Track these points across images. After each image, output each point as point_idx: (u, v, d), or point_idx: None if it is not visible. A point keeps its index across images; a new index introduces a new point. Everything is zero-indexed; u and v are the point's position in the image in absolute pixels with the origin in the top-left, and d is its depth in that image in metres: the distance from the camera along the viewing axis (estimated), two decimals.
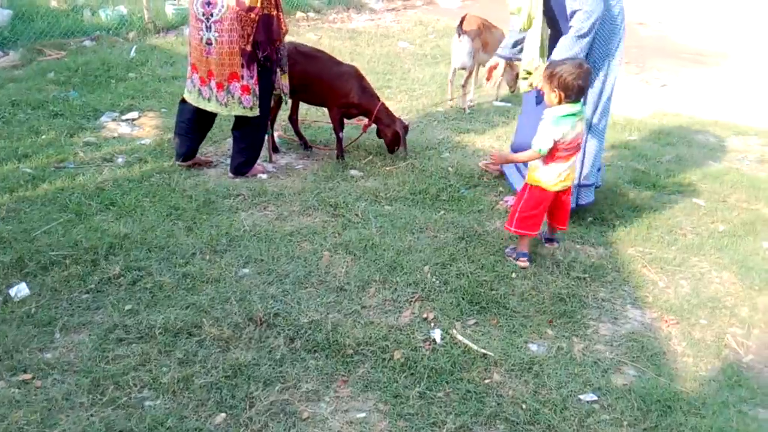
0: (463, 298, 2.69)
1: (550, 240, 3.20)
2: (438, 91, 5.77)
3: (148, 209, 3.30)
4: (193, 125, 3.76)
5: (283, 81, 3.70)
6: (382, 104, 4.10)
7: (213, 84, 3.50)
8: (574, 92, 2.69)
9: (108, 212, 3.27)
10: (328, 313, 2.53)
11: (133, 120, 4.72)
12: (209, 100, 3.56)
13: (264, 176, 3.87)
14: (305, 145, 4.34)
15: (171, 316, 2.45)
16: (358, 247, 3.02)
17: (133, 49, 6.42)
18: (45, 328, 2.40)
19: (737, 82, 7.08)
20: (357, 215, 3.37)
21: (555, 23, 3.17)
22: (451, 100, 5.39)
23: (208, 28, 3.35)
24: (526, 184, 2.96)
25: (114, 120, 4.67)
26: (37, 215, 3.18)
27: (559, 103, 2.73)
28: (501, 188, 3.86)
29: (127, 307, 2.53)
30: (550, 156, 2.79)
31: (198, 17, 3.36)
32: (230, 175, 3.81)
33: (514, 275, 2.90)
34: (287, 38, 3.73)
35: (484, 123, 5.06)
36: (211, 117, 3.75)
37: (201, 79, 3.53)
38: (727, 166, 4.50)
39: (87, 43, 6.79)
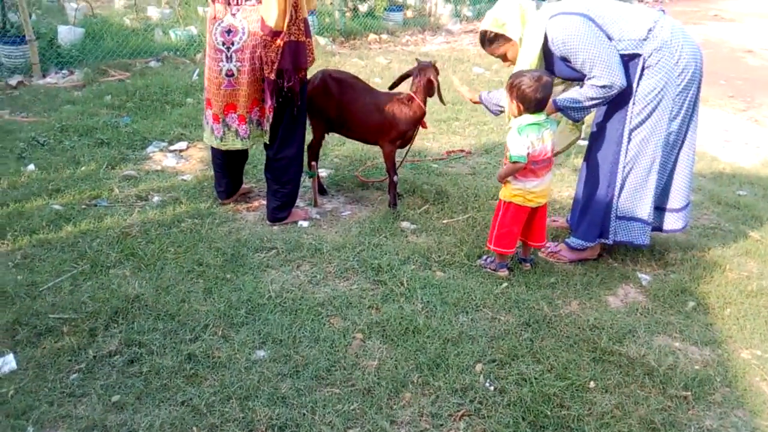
0: (523, 418, 2.11)
1: (523, 260, 3.08)
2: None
3: (170, 263, 2.93)
4: (225, 163, 3.41)
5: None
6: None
7: (232, 118, 3.14)
8: (533, 104, 2.71)
9: (126, 264, 2.92)
10: (347, 429, 2.03)
11: (181, 151, 4.44)
12: (222, 138, 3.20)
13: (305, 224, 3.44)
14: (320, 188, 3.77)
15: (159, 418, 2.02)
16: (397, 331, 2.50)
17: (196, 72, 6.24)
18: (18, 420, 2.03)
19: None
20: (402, 283, 2.86)
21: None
22: None
23: (229, 59, 3.00)
24: (500, 200, 2.92)
25: (161, 150, 4.41)
26: (50, 264, 2.88)
27: (520, 114, 2.76)
28: None
29: (115, 398, 2.12)
30: (522, 171, 2.79)
31: (218, 47, 3.01)
32: (268, 222, 3.41)
33: (592, 384, 2.29)
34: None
35: (564, 166, 4.43)
36: (240, 153, 3.39)
37: (214, 116, 3.17)
38: None
39: (153, 63, 6.70)
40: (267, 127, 3.17)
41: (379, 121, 3.50)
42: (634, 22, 2.77)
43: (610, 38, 2.75)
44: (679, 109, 2.83)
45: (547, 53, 2.88)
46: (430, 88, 3.47)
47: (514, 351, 2.44)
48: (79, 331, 2.43)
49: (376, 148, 3.95)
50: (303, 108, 3.27)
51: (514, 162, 2.75)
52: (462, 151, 4.68)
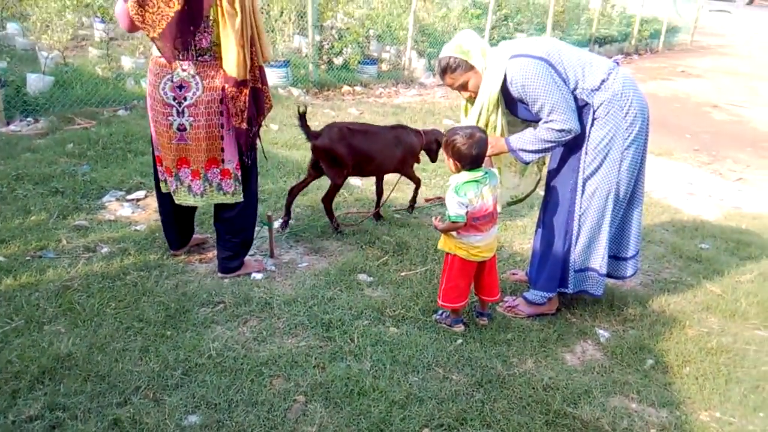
0: None
1: (480, 314, 3.01)
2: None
3: (109, 318, 2.79)
4: (173, 212, 3.32)
5: None
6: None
7: (185, 173, 3.05)
8: (468, 161, 2.68)
9: (62, 320, 2.78)
10: None
11: (138, 200, 4.33)
12: (175, 192, 3.11)
13: (258, 276, 3.33)
14: (285, 224, 3.92)
15: None
16: (341, 393, 2.37)
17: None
18: None
19: None
20: (352, 340, 2.74)
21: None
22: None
23: (180, 113, 2.91)
24: (447, 254, 2.86)
25: (117, 199, 4.30)
26: None
27: (458, 171, 2.73)
28: None
29: None
30: (464, 228, 2.73)
31: (167, 102, 2.91)
32: (219, 274, 3.29)
33: None
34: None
35: (527, 217, 4.40)
36: (189, 207, 3.30)
37: (166, 170, 3.09)
38: None
39: (121, 112, 6.65)
40: (235, 187, 3.10)
41: (402, 152, 3.97)
42: (589, 71, 2.79)
43: (566, 84, 2.76)
44: (630, 160, 2.82)
45: (505, 92, 2.87)
46: (431, 149, 4.16)
47: (464, 414, 2.32)
48: (1, 393, 2.27)
49: (335, 201, 3.93)
50: (255, 157, 3.21)
51: (453, 222, 2.69)
52: (440, 198, 4.66)
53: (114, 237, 3.67)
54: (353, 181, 4.91)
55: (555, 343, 2.87)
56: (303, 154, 5.52)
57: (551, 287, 3.01)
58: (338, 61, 8.98)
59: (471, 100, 2.98)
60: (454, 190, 2.69)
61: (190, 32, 2.75)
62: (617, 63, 2.92)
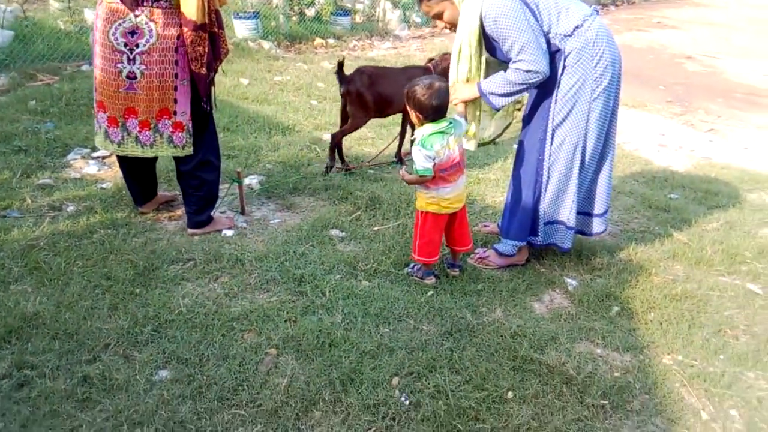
0: None
1: (452, 265, 3.04)
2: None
3: (75, 277, 2.75)
4: (131, 170, 3.25)
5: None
6: None
7: (133, 123, 2.96)
8: (430, 112, 2.66)
9: (28, 279, 2.73)
10: None
11: (104, 158, 4.23)
12: (120, 143, 3.01)
13: (229, 233, 3.30)
14: (329, 169, 4.12)
15: None
16: (313, 345, 2.39)
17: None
18: None
19: None
20: (323, 294, 2.75)
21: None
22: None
23: (132, 61, 2.80)
24: (418, 211, 2.85)
25: (83, 157, 4.20)
26: None
27: (421, 124, 2.71)
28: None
29: None
30: (433, 180, 2.71)
31: (117, 48, 2.79)
32: (188, 230, 3.26)
33: (510, 395, 2.22)
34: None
35: (500, 170, 4.41)
36: (143, 159, 3.21)
37: (110, 119, 2.97)
38: None
39: (85, 67, 6.42)
40: (186, 140, 3.02)
41: None
42: (564, 16, 2.72)
43: (539, 25, 2.69)
44: (599, 112, 2.81)
45: (485, 33, 2.79)
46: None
47: (433, 362, 2.35)
48: None
49: (307, 156, 3.88)
50: (212, 107, 3.11)
51: (421, 176, 2.66)
52: None
53: (80, 195, 3.59)
54: (326, 136, 4.85)
55: (524, 292, 2.91)
56: (274, 109, 5.43)
57: (521, 236, 3.04)
58: (310, 12, 8.75)
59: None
60: (420, 144, 2.65)
61: None
62: (596, 11, 2.86)
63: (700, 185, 4.43)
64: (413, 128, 3.38)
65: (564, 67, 2.75)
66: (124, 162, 3.21)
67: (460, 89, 2.91)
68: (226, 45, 3.02)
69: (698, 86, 7.67)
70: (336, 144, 4.13)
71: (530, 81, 2.70)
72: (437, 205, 2.77)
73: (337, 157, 4.20)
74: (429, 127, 2.68)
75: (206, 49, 2.81)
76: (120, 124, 2.95)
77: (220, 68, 3.08)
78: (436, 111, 2.65)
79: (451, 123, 2.71)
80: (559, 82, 2.77)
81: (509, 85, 2.73)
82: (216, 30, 2.89)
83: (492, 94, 2.80)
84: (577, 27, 2.72)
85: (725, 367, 2.50)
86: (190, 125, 2.99)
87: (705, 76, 8.30)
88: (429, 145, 2.64)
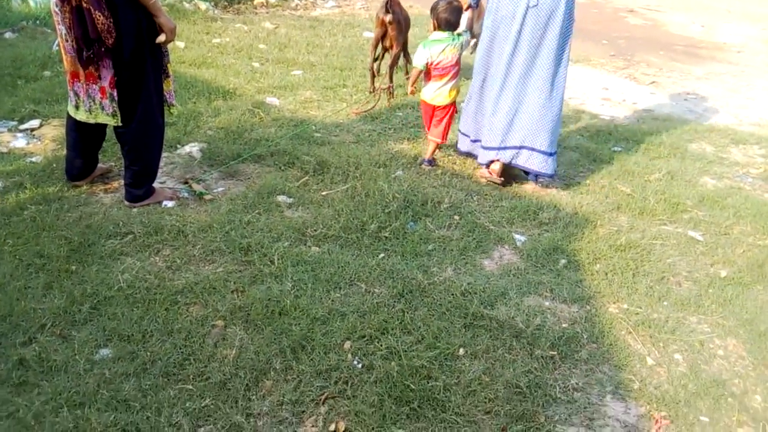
0: (389, 394, 2.02)
1: (425, 162, 3.75)
2: (403, 90, 5.06)
3: (6, 257, 2.59)
4: (78, 139, 3.08)
5: (166, 88, 3.06)
6: None
7: (78, 86, 2.86)
8: (443, 23, 3.48)
9: None
10: (196, 429, 1.85)
11: (32, 130, 3.98)
12: (77, 107, 2.92)
13: (170, 204, 3.16)
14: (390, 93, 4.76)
15: None
16: (262, 315, 2.33)
17: (56, 42, 5.64)
18: None
19: (734, 78, 6.43)
20: (272, 262, 2.68)
21: None
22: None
23: (60, 21, 2.70)
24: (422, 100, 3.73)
25: (9, 130, 3.93)
26: None
27: (435, 30, 3.53)
28: (457, 216, 3.19)
29: None
30: (427, 75, 3.60)
31: (54, 9, 2.70)
32: (126, 203, 3.11)
33: (461, 352, 2.23)
34: None
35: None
36: (95, 129, 3.06)
37: (69, 83, 2.90)
38: (727, 185, 3.85)
39: (8, 35, 6.00)
40: (113, 108, 2.86)
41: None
42: None
43: None
44: (515, 37, 3.22)
45: None
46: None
47: (385, 324, 2.34)
48: None
49: (250, 121, 3.74)
50: (143, 80, 2.88)
51: (414, 67, 3.60)
52: (366, 111, 4.64)
53: (7, 170, 3.37)
54: (270, 100, 4.69)
55: (474, 250, 2.92)
56: (213, 72, 5.21)
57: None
58: None
59: None
60: (423, 44, 3.53)
61: None
62: None
63: (643, 137, 4.51)
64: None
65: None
66: (75, 126, 3.05)
67: None
68: (102, 24, 2.61)
69: (640, 39, 7.78)
70: (391, 69, 4.81)
71: None
72: (426, 97, 3.66)
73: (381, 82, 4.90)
74: (436, 35, 3.50)
75: (72, 23, 2.63)
76: (72, 87, 2.88)
77: None
78: (446, 23, 3.46)
79: (453, 36, 3.48)
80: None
81: None
82: (85, 6, 2.59)
83: None
84: None
85: (669, 313, 2.58)
86: (114, 93, 2.83)
87: (647, 30, 8.42)
88: (428, 48, 3.49)
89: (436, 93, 3.59)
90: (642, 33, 8.18)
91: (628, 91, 5.75)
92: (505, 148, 3.42)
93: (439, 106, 3.63)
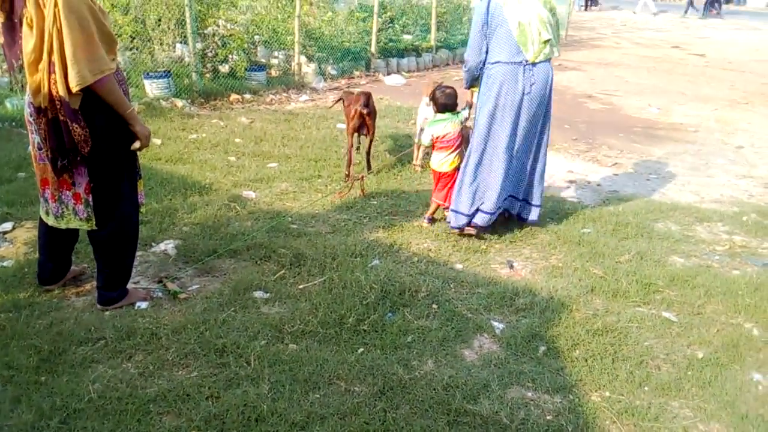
0: None
1: (430, 220, 4.37)
2: (375, 180, 5.18)
3: None
4: (49, 243, 3.08)
5: (139, 188, 3.11)
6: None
7: (48, 193, 2.91)
8: (440, 107, 4.27)
9: None
10: None
11: (5, 233, 3.94)
12: (47, 213, 2.97)
13: (144, 305, 3.12)
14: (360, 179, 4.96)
15: None
16: (237, 422, 2.26)
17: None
18: None
19: (693, 157, 6.74)
20: (248, 363, 2.63)
21: None
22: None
23: (36, 131, 2.79)
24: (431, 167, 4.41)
25: None
26: None
27: (436, 113, 4.32)
28: (435, 305, 3.20)
29: None
30: (433, 147, 4.29)
31: (29, 119, 2.80)
32: (98, 306, 3.06)
33: None
34: None
35: (422, 216, 4.45)
36: (67, 233, 3.07)
37: (40, 189, 2.95)
38: (695, 263, 3.95)
39: None
40: (87, 213, 2.89)
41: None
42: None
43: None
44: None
45: None
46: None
47: (367, 426, 2.28)
48: None
49: (227, 215, 3.77)
50: (119, 184, 2.92)
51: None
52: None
53: None
54: (246, 193, 4.76)
55: (453, 340, 2.91)
56: (189, 168, 5.28)
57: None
58: (224, 68, 8.69)
59: None
60: (428, 125, 4.30)
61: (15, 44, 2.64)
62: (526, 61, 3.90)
63: (610, 218, 4.65)
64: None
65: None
66: (46, 231, 3.07)
67: None
68: (79, 136, 2.64)
69: (600, 123, 8.16)
70: (369, 155, 5.39)
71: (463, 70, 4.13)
72: (431, 163, 4.36)
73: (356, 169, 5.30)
74: (438, 116, 4.26)
75: (47, 134, 2.66)
76: (43, 194, 2.93)
77: None
78: (444, 107, 4.23)
79: (452, 114, 4.21)
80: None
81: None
82: (61, 118, 2.63)
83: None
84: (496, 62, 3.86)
85: (650, 398, 2.57)
86: (90, 198, 2.86)
87: (606, 113, 8.85)
88: (432, 127, 4.21)
89: (441, 162, 4.23)
90: (601, 117, 8.60)
91: (592, 174, 5.97)
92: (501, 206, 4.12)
93: (443, 173, 4.23)
